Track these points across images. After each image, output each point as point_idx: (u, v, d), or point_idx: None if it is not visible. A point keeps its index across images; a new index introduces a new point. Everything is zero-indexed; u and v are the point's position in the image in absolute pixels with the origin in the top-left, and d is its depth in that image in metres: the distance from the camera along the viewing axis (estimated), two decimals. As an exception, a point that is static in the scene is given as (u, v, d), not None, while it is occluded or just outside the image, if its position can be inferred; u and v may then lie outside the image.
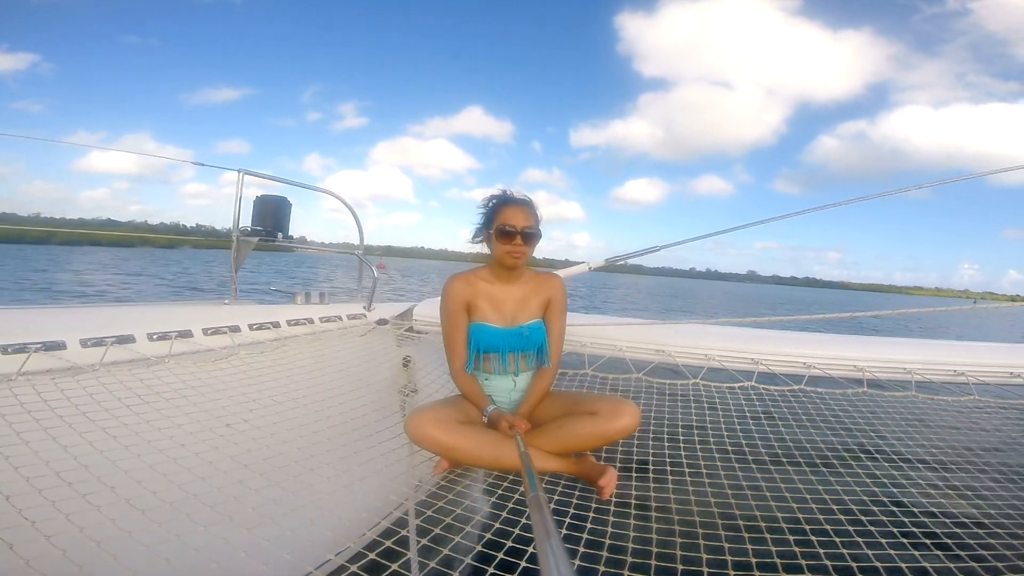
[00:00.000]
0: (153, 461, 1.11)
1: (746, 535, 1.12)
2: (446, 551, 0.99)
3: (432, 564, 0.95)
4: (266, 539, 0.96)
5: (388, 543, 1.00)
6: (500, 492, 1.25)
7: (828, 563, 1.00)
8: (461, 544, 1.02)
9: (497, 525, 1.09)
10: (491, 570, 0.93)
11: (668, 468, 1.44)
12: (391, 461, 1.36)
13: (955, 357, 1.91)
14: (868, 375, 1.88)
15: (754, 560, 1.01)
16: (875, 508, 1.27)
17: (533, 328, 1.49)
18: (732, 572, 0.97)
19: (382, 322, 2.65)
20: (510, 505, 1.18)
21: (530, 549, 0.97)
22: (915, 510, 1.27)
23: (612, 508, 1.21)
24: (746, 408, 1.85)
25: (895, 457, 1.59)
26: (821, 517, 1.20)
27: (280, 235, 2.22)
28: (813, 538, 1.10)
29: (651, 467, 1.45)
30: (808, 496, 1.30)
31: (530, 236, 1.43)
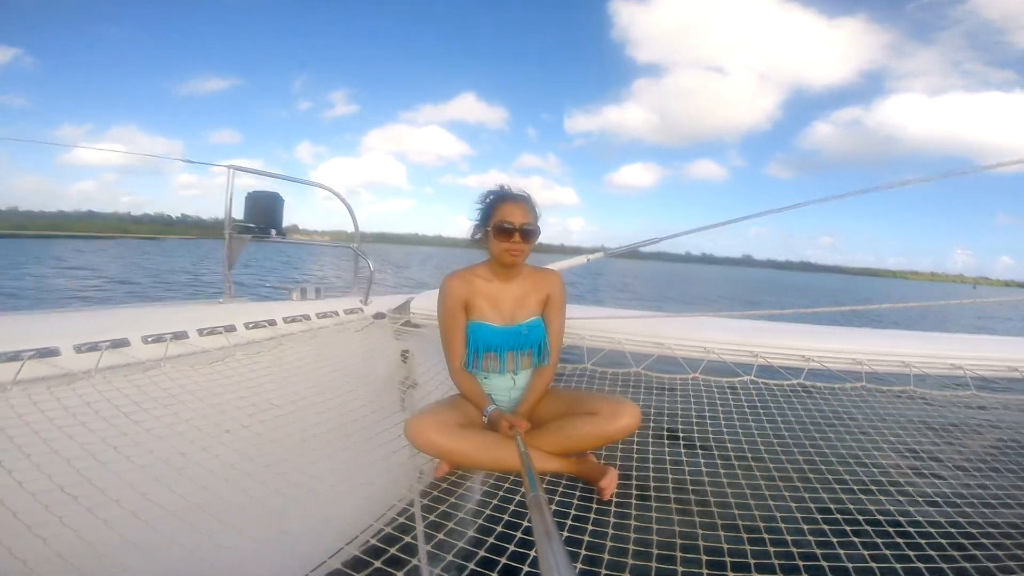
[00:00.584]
0: (156, 472, 1.10)
1: (744, 535, 1.13)
2: (453, 552, 1.00)
3: (439, 559, 0.96)
4: (272, 543, 0.96)
5: (394, 532, 1.02)
6: (502, 494, 1.26)
7: (824, 564, 1.01)
8: (466, 540, 1.04)
9: (499, 529, 1.10)
10: (500, 564, 0.95)
11: (668, 468, 1.44)
12: (393, 455, 1.36)
13: (955, 351, 1.92)
14: (866, 368, 1.89)
15: (752, 562, 1.02)
16: (873, 508, 1.28)
17: (532, 326, 1.49)
18: (730, 574, 0.98)
19: (379, 316, 2.63)
20: (512, 507, 1.19)
21: (532, 553, 0.97)
22: (912, 510, 1.27)
23: (613, 509, 1.22)
24: (746, 405, 1.86)
25: (892, 454, 1.60)
26: (819, 516, 1.21)
27: (273, 232, 2.19)
28: (810, 538, 1.11)
29: (651, 465, 1.46)
30: (807, 495, 1.31)
31: (529, 233, 1.41)
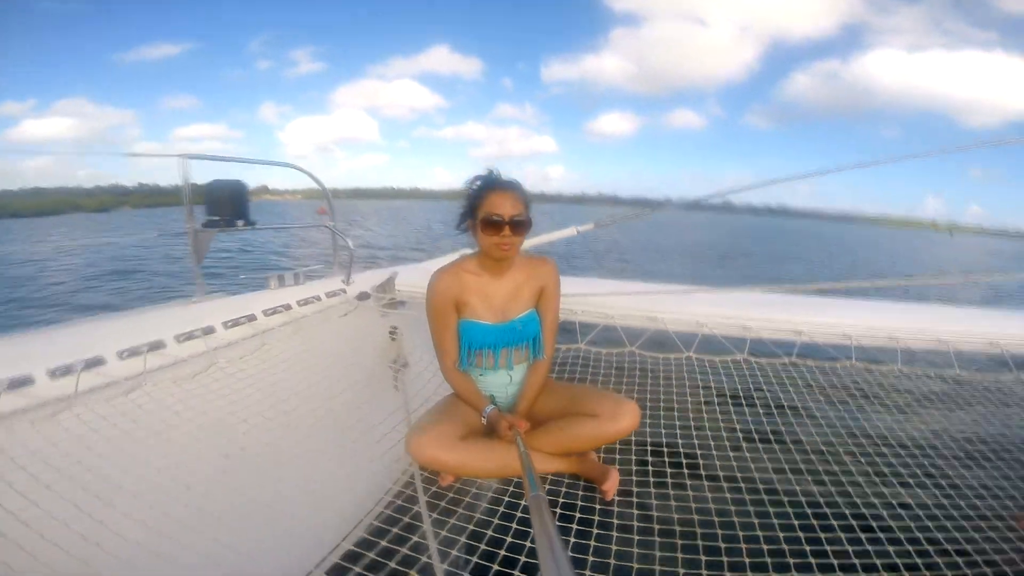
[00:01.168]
0: (153, 500, 1.08)
1: (741, 534, 1.17)
2: (457, 547, 1.04)
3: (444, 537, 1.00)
4: (277, 545, 0.96)
5: (398, 516, 1.08)
6: (508, 493, 1.29)
7: (814, 561, 1.06)
8: (468, 535, 1.07)
9: (497, 522, 1.14)
10: (500, 556, 0.99)
11: (667, 460, 1.48)
12: (386, 436, 1.37)
13: (943, 324, 1.95)
14: (855, 343, 1.92)
15: (748, 560, 1.07)
16: (868, 493, 1.34)
17: (526, 321, 1.43)
18: (728, 574, 1.02)
19: (363, 296, 2.55)
20: (518, 514, 1.21)
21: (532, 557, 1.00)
22: (891, 500, 1.33)
23: (615, 510, 1.25)
24: (739, 385, 1.89)
25: (875, 435, 1.66)
26: (809, 512, 1.26)
27: (240, 222, 2.03)
28: (801, 535, 1.15)
29: (650, 458, 1.49)
30: (798, 488, 1.36)
31: (519, 225, 1.31)
